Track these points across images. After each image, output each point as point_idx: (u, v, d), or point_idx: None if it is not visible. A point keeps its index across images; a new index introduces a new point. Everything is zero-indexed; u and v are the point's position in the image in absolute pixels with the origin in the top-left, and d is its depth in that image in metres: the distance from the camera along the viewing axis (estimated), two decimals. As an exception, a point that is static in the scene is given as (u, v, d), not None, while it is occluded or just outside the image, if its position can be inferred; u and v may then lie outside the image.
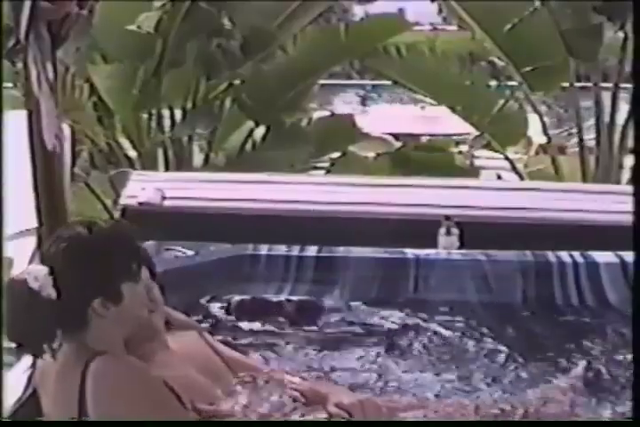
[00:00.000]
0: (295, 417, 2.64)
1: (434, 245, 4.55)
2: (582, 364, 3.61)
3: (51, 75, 4.07)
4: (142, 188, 4.91)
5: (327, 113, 9.95)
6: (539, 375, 3.61)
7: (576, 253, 4.48)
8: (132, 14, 7.46)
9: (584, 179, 7.97)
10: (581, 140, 8.21)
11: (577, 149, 8.31)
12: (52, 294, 2.48)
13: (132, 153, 7.91)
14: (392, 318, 4.17)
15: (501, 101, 8.13)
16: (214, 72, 7.80)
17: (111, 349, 2.54)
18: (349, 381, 3.47)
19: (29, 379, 2.94)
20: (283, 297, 4.33)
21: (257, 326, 4.11)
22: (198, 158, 8.20)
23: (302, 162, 8.01)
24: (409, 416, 2.77)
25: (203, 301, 4.26)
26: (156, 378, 2.51)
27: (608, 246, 4.38)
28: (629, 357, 3.40)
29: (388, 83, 9.61)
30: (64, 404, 2.52)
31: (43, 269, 2.51)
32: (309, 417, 2.65)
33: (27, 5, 3.82)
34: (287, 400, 2.70)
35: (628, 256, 4.17)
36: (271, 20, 7.89)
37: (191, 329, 2.85)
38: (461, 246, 4.53)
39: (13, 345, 2.61)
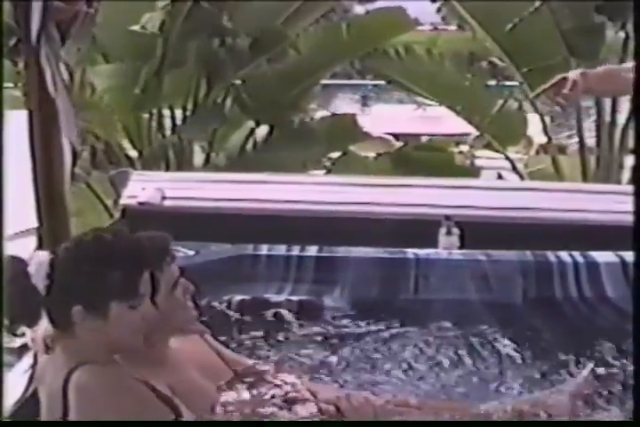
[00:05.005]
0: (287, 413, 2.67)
1: (434, 245, 4.54)
2: (583, 363, 3.61)
3: (65, 75, 4.06)
4: (142, 188, 4.91)
5: (327, 113, 9.96)
6: (540, 376, 3.61)
7: (576, 253, 4.48)
8: (133, 14, 7.47)
9: (584, 179, 7.97)
10: (582, 139, 8.21)
11: (577, 149, 8.32)
12: (41, 284, 2.42)
13: (133, 153, 7.91)
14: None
15: (501, 101, 8.13)
16: (215, 72, 7.80)
17: (94, 358, 2.44)
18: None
19: (30, 379, 2.93)
20: (283, 297, 4.33)
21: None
22: (199, 158, 8.19)
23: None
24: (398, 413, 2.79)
25: (203, 301, 4.26)
26: (143, 389, 2.42)
27: (608, 246, 4.37)
28: (630, 356, 3.40)
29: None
30: (52, 405, 2.45)
31: (46, 257, 2.45)
32: (302, 412, 2.67)
33: (38, 6, 3.78)
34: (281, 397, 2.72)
35: (628, 256, 4.16)
36: (272, 20, 7.90)
37: (193, 332, 2.82)
38: (462, 246, 4.53)
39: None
